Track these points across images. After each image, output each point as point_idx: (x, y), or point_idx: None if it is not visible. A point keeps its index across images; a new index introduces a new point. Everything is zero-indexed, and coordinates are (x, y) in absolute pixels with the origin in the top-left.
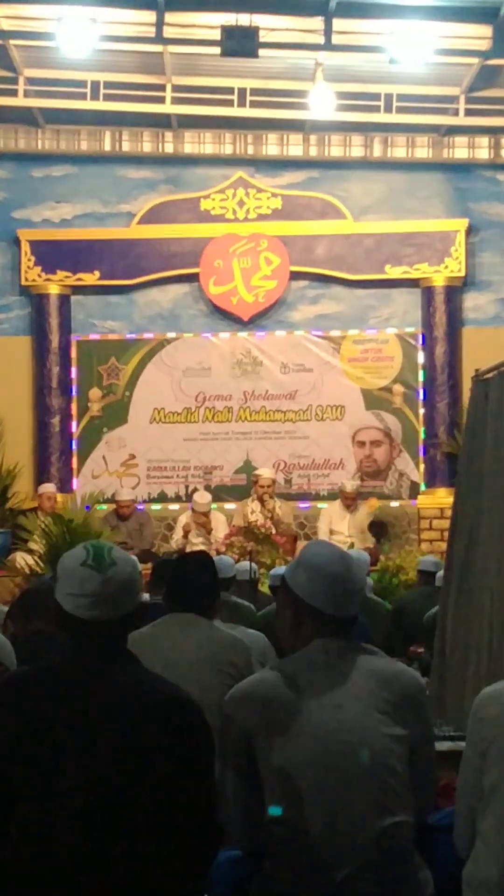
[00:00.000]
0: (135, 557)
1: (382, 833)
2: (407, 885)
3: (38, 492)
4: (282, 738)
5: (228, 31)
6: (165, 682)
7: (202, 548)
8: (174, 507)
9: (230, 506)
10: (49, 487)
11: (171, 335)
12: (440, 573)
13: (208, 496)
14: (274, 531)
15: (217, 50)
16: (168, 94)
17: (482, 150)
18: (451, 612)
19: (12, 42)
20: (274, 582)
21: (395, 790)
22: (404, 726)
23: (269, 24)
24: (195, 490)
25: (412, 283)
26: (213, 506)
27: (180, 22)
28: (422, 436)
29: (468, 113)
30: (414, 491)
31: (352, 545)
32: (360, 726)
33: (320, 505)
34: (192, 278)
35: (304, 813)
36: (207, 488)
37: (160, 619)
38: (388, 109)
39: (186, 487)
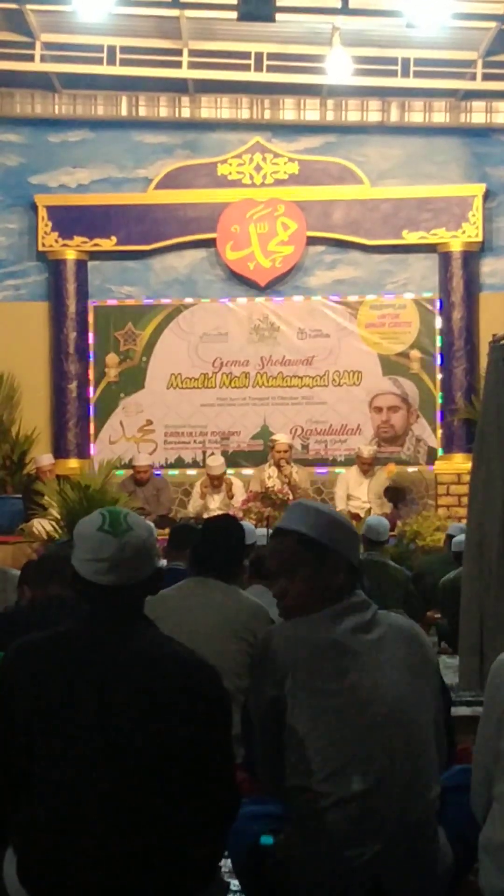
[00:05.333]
0: (151, 523)
1: (415, 811)
2: (431, 858)
3: (36, 465)
4: (315, 697)
5: None
6: (182, 647)
7: (220, 512)
8: (191, 472)
9: (247, 471)
10: (45, 460)
11: (187, 300)
12: (456, 538)
13: (221, 459)
14: (291, 497)
15: (234, 14)
16: (185, 58)
17: (500, 115)
18: (469, 577)
19: (29, 7)
20: None
21: (429, 765)
22: (430, 686)
23: None
24: (212, 455)
25: (429, 248)
26: (231, 471)
27: None
28: (439, 401)
29: (486, 77)
30: (431, 456)
31: (370, 511)
32: (399, 697)
33: (337, 470)
34: (209, 243)
35: (333, 785)
36: (224, 454)
37: (182, 582)
38: (406, 74)
39: (203, 453)
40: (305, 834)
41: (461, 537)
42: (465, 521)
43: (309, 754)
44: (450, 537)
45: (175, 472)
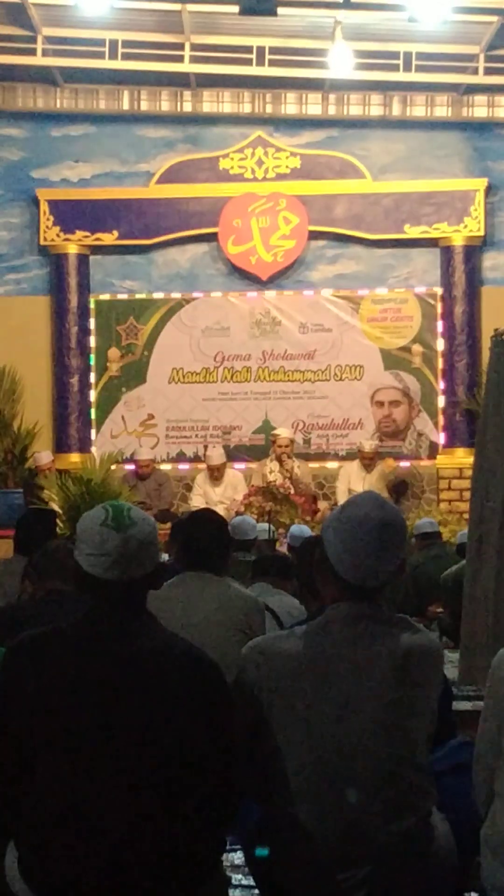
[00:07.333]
0: (152, 518)
1: (404, 829)
2: (426, 871)
3: (35, 462)
4: (291, 716)
5: None
6: (184, 642)
7: (222, 506)
8: (185, 466)
9: (240, 465)
10: (43, 458)
11: (189, 295)
12: (461, 531)
13: (220, 450)
14: (293, 491)
15: (236, 8)
16: (187, 52)
17: (502, 109)
18: (470, 571)
19: (30, 1)
20: (294, 542)
21: (418, 781)
22: (425, 699)
23: None
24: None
25: (431, 242)
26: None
27: None
28: (441, 396)
29: (487, 71)
30: (433, 451)
31: None
32: (373, 730)
33: (333, 464)
34: (211, 238)
35: (312, 810)
36: (226, 448)
37: (175, 578)
38: (408, 68)
39: (205, 447)
40: (292, 858)
41: (465, 531)
42: (444, 516)
43: (287, 776)
44: (421, 535)
45: (184, 466)
